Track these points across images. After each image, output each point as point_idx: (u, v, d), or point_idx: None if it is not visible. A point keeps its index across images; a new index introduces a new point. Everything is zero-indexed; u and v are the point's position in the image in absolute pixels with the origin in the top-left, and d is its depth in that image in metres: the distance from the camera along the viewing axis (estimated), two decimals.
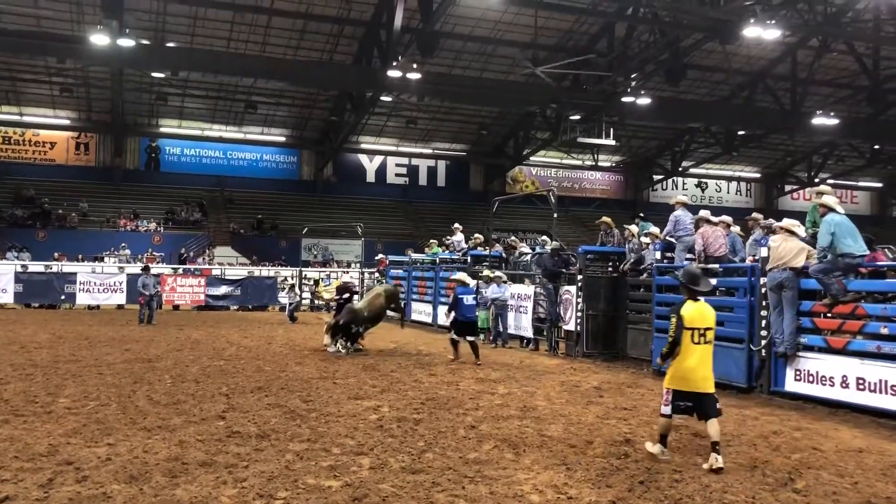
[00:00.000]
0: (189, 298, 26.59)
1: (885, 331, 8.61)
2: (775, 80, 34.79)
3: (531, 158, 42.86)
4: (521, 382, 10.53)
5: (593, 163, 44.05)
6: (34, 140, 37.66)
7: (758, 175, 49.16)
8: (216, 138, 39.87)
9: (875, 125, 37.25)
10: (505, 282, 16.02)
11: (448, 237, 22.28)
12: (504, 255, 18.50)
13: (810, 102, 34.90)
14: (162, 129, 39.16)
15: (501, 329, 15.90)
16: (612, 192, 47.35)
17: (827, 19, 26.31)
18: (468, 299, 13.15)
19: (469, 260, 18.93)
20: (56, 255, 29.62)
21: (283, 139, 41.05)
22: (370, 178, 43.32)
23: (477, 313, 15.33)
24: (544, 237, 23.75)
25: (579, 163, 44.51)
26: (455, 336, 13.02)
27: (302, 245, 36.00)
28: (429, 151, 43.50)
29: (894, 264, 9.79)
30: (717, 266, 11.55)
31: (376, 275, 25.05)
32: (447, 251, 21.68)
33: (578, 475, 5.84)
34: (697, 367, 6.25)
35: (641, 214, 16.40)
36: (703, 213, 12.25)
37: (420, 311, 21.46)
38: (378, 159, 43.42)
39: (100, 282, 25.59)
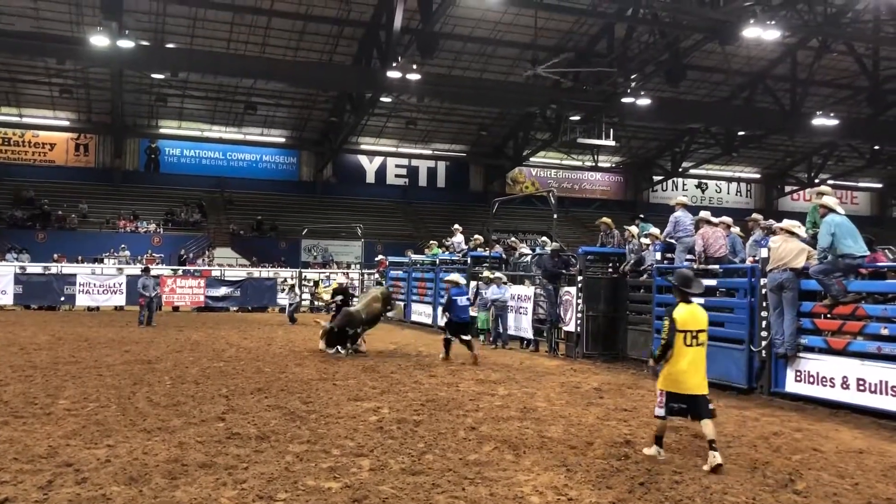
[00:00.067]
0: (189, 300, 26.55)
1: (885, 332, 8.60)
2: (775, 81, 34.79)
3: (531, 159, 42.85)
4: (521, 384, 10.52)
5: (593, 163, 44.01)
6: (34, 141, 37.65)
7: (758, 176, 49.15)
8: (216, 139, 39.86)
9: (875, 125, 37.24)
10: (505, 283, 16.02)
11: (448, 238, 22.27)
12: (504, 256, 18.50)
13: (810, 103, 34.90)
14: (161, 130, 39.16)
15: (501, 330, 15.88)
16: (612, 193, 47.31)
17: (827, 20, 26.29)
18: (462, 300, 13.29)
19: (469, 261, 18.90)
20: (56, 256, 29.60)
21: (282, 140, 41.04)
22: (370, 178, 43.29)
23: (476, 314, 15.30)
24: (544, 238, 23.74)
25: (579, 163, 44.50)
26: (449, 336, 13.06)
27: (302, 246, 36.05)
28: (428, 152, 43.49)
29: (894, 265, 9.80)
30: (717, 267, 11.55)
31: (376, 276, 25.04)
32: (447, 252, 21.67)
33: (579, 476, 5.84)
34: (690, 369, 6.24)
35: (641, 215, 16.43)
36: (704, 213, 12.25)
37: (420, 312, 21.46)
38: (378, 160, 43.38)
39: (99, 283, 25.54)
